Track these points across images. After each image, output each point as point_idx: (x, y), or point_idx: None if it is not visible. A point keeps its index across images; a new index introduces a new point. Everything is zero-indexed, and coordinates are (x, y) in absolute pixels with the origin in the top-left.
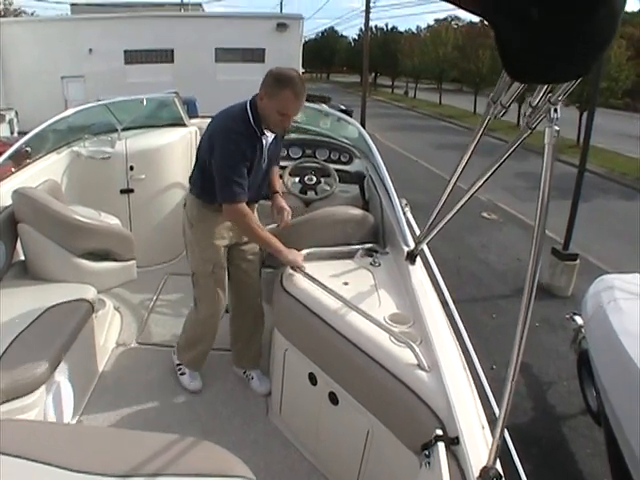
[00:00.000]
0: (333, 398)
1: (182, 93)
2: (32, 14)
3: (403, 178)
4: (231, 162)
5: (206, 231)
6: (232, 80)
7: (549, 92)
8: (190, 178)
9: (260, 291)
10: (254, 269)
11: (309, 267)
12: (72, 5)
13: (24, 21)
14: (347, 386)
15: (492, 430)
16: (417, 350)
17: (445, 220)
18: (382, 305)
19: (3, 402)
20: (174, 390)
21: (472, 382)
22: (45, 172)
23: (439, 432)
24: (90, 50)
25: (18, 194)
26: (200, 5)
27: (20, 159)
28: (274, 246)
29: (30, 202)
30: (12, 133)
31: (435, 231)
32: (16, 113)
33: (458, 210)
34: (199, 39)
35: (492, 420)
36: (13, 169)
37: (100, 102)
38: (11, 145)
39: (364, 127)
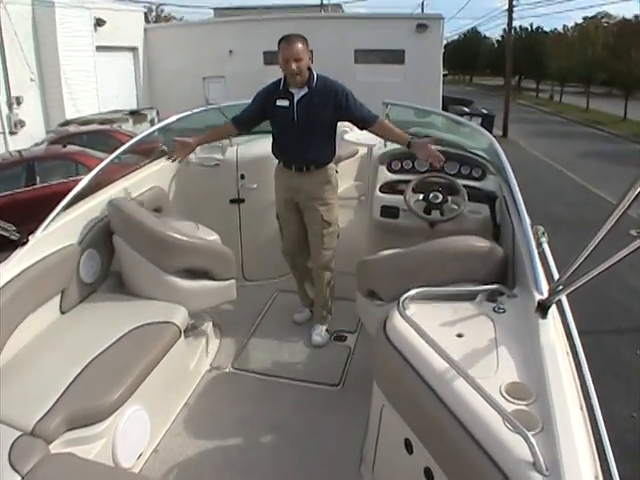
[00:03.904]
0: (429, 475)
1: None
2: (181, 19)
3: (546, 188)
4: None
5: (275, 184)
6: (371, 82)
7: None
8: None
9: (323, 252)
10: (315, 233)
11: (420, 310)
12: (215, 9)
13: (168, 26)
14: (445, 467)
15: None
16: (534, 443)
17: (598, 270)
18: (500, 369)
19: (66, 430)
20: (263, 426)
21: None
22: (152, 179)
23: None
24: (230, 52)
25: (112, 205)
26: (339, 6)
27: (152, 155)
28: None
29: (122, 215)
30: None
31: (582, 281)
32: (157, 112)
33: (621, 259)
34: (338, 40)
35: None
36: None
37: (212, 106)
38: (153, 143)
39: (506, 132)
